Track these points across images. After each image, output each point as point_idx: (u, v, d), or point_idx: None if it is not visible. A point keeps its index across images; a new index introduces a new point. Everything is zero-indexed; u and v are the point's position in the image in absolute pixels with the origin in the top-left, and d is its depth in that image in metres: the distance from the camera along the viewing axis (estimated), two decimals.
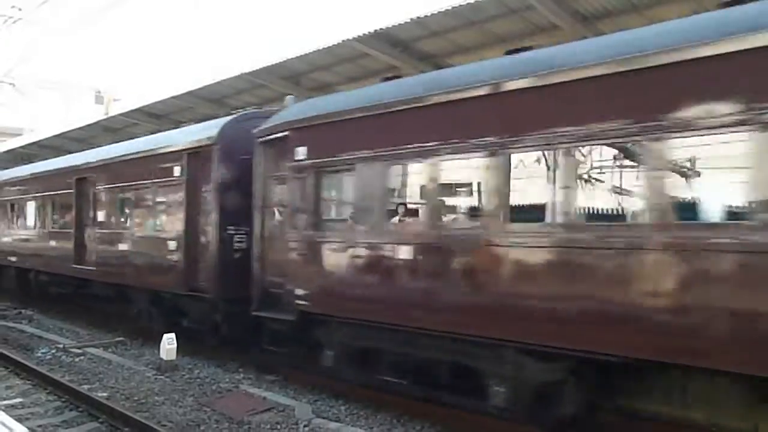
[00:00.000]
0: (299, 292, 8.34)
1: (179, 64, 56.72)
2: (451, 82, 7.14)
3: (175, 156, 11.18)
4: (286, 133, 8.89)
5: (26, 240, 17.83)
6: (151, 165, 11.82)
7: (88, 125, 23.41)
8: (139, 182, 12.29)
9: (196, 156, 10.70)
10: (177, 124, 18.04)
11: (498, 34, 12.01)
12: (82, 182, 14.54)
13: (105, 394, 8.56)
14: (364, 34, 12.70)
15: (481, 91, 6.61)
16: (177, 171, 11.02)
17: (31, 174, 18.00)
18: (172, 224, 11.26)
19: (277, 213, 9.45)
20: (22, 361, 10.29)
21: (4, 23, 21.59)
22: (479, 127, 6.57)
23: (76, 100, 38.56)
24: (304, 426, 7.30)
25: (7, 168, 22.32)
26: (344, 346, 8.10)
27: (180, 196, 10.93)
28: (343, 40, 13.03)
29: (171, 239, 11.05)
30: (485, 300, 6.42)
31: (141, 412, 7.76)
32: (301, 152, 8.57)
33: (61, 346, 11.76)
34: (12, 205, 19.28)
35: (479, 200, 7.05)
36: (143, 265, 11.95)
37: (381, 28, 12.45)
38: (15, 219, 19.00)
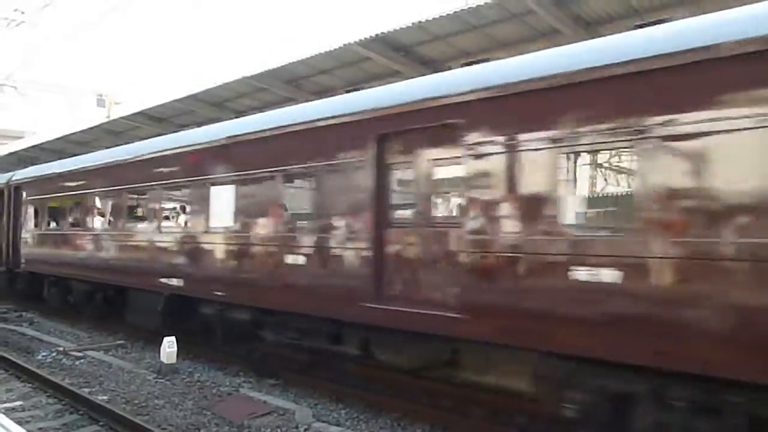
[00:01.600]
0: None
1: (181, 67, 56.99)
2: None
3: None
4: None
5: (212, 250, 10.13)
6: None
7: (90, 128, 23.53)
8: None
9: None
10: (178, 128, 18.06)
11: (499, 39, 12.05)
12: (393, 141, 7.40)
13: (105, 398, 8.54)
14: (365, 38, 12.76)
15: None
16: None
17: (231, 137, 9.79)
18: None
19: None
20: (23, 364, 10.27)
21: (7, 26, 21.67)
22: None
23: (78, 103, 38.64)
24: (305, 430, 7.28)
25: (7, 171, 22.15)
26: None
27: None
28: (344, 44, 13.09)
29: None
30: None
31: (141, 415, 7.75)
32: None
33: (62, 349, 11.74)
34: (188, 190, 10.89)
35: None
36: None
37: (383, 32, 12.52)
38: (204, 215, 10.34)
